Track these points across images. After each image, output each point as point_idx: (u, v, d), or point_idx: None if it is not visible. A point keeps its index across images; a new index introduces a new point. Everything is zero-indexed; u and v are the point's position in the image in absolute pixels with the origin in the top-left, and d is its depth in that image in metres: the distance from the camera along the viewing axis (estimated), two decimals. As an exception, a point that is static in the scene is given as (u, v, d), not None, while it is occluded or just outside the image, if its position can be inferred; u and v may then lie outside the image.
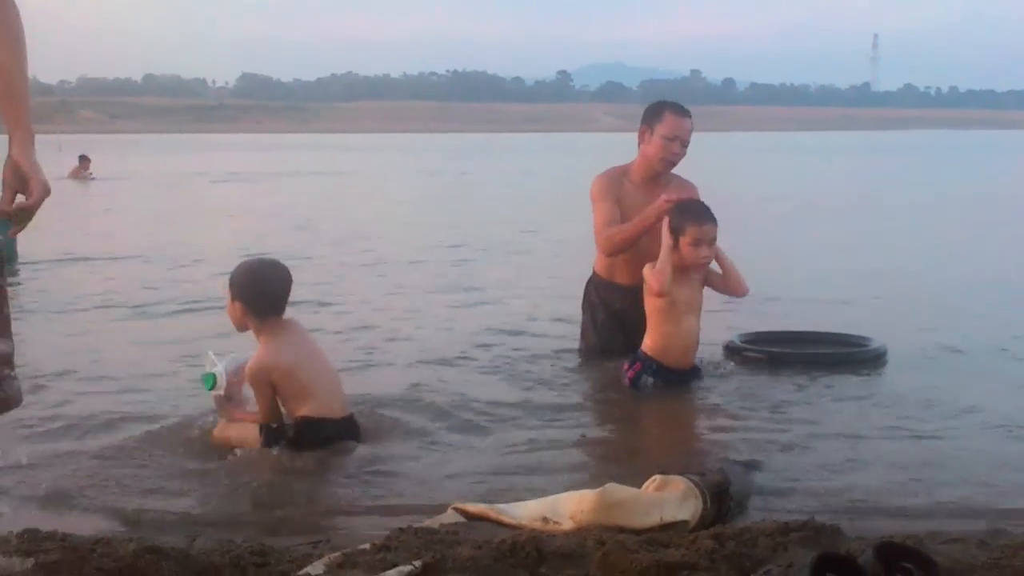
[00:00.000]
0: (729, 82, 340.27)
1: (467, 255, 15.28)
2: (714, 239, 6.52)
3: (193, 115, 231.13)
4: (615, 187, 6.83)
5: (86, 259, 14.76)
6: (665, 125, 6.66)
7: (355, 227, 19.50)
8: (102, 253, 15.35)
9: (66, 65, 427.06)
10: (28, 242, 11.87)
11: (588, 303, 7.48)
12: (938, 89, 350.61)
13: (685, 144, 6.69)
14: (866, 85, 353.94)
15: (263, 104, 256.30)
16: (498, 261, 14.89)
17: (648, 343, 6.65)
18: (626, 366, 6.68)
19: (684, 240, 6.36)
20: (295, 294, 5.72)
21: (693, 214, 6.45)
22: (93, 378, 7.60)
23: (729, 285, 6.73)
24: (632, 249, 6.75)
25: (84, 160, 31.84)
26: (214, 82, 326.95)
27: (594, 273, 7.35)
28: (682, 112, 6.75)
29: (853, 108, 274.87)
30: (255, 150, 76.54)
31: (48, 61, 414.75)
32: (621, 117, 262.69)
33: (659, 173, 6.79)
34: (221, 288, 5.86)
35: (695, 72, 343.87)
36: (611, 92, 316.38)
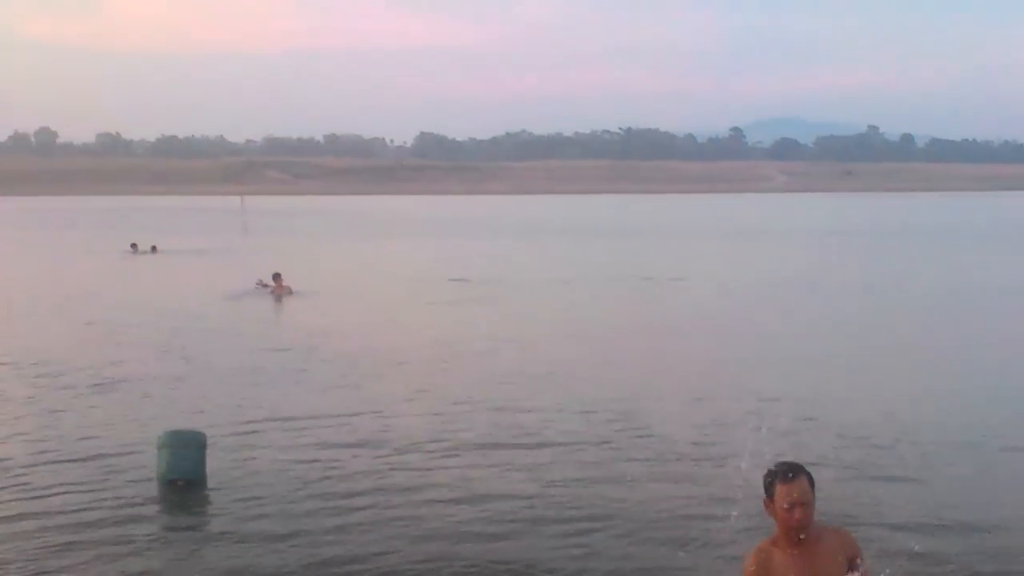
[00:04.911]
0: (908, 138, 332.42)
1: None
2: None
3: (372, 176, 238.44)
4: (764, 564, 6.65)
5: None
6: (779, 496, 6.46)
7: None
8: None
9: (253, 124, 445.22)
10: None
11: None
12: None
13: (805, 504, 6.39)
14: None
15: (438, 164, 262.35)
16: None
17: None
18: None
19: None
20: None
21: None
22: None
23: None
24: None
25: (278, 278, 30.67)
26: (392, 141, 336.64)
27: None
28: (789, 477, 6.49)
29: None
30: (449, 232, 77.58)
31: (236, 121, 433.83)
32: (796, 175, 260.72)
33: (797, 539, 6.59)
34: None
35: (872, 128, 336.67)
36: (785, 149, 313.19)
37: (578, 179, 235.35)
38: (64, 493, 11.49)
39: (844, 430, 14.44)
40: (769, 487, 6.27)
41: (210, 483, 11.69)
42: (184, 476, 11.57)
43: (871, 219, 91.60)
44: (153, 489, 11.54)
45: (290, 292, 30.07)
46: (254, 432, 14.06)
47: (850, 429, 14.51)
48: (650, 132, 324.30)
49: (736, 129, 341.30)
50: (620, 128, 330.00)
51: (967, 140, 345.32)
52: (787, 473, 6.40)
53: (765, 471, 6.33)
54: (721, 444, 13.77)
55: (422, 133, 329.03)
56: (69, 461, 12.69)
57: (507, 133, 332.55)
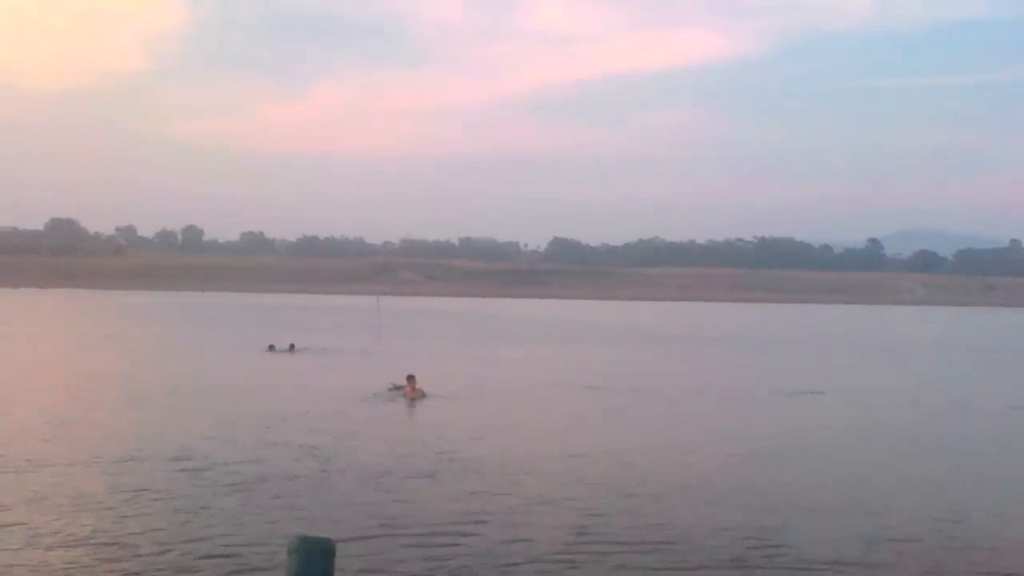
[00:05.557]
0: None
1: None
2: None
3: (504, 279, 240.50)
4: None
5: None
6: None
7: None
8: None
9: (391, 226, 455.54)
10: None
11: None
12: None
13: None
14: None
15: (571, 269, 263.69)
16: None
17: None
18: None
19: None
20: None
21: None
22: None
23: None
24: None
25: (411, 380, 30.91)
26: (526, 245, 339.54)
27: None
28: None
29: None
30: (581, 337, 77.77)
31: (374, 222, 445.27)
32: (935, 288, 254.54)
33: None
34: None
35: (1015, 242, 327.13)
36: (924, 261, 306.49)
37: (711, 287, 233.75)
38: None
39: (982, 563, 14.08)
40: None
41: (339, 589, 11.86)
42: (313, 583, 11.71)
43: (1015, 336, 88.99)
44: (284, 592, 11.75)
45: (422, 395, 30.39)
46: (382, 538, 14.25)
47: (988, 560, 14.15)
48: (784, 241, 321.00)
49: (873, 240, 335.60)
50: (754, 236, 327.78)
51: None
52: None
53: None
54: (857, 564, 13.52)
55: (555, 238, 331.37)
56: (202, 558, 13.05)
57: (639, 239, 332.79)
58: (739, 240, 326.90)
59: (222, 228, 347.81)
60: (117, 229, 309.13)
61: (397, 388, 31.23)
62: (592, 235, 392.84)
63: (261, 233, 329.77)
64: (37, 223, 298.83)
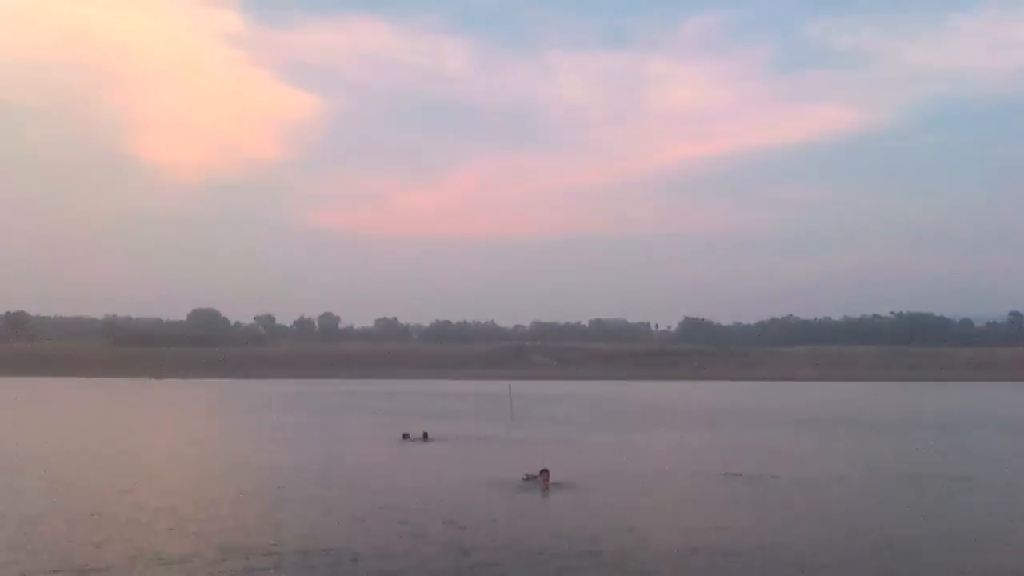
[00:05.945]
0: None
1: None
2: None
3: (636, 360, 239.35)
4: None
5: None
6: None
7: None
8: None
9: (521, 309, 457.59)
10: None
11: None
12: None
13: None
14: None
15: (703, 349, 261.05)
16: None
17: None
18: None
19: None
20: None
21: None
22: None
23: None
24: None
25: (544, 474, 31.02)
26: (657, 326, 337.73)
27: None
28: None
29: None
30: (716, 420, 76.76)
31: (505, 305, 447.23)
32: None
33: None
34: None
35: None
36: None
37: (848, 365, 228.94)
38: None
39: None
40: None
41: None
42: None
43: None
44: None
45: (557, 487, 30.34)
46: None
47: None
48: (923, 316, 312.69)
49: (1016, 314, 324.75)
50: (891, 312, 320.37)
51: None
52: None
53: None
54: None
55: (686, 318, 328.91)
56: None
57: (772, 318, 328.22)
58: (876, 316, 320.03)
59: (357, 314, 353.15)
60: (256, 318, 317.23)
61: (530, 479, 31.25)
62: (724, 314, 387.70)
63: (395, 319, 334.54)
64: (180, 314, 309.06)
